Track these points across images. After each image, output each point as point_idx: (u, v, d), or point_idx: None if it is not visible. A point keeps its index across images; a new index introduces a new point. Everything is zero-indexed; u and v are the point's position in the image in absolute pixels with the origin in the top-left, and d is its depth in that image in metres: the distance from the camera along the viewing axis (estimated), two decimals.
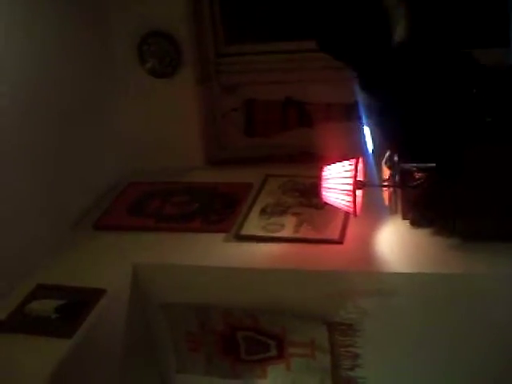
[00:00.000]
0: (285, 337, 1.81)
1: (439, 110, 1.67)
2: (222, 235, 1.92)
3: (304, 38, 2.24)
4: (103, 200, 2.22)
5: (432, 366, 1.75)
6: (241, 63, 2.39)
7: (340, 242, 1.80)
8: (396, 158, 1.75)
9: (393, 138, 1.78)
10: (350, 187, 1.71)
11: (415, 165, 1.73)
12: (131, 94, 2.31)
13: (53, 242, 1.93)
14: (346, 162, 1.76)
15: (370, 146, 1.90)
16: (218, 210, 2.07)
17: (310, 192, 2.04)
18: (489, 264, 1.62)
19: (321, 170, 1.79)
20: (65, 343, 1.53)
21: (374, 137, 1.89)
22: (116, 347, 1.76)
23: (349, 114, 2.25)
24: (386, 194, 1.85)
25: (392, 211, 1.85)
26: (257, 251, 1.82)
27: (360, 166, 1.76)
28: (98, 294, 1.70)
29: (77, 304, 1.67)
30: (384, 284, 1.67)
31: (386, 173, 1.81)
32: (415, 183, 1.73)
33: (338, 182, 1.75)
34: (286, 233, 1.87)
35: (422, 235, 1.78)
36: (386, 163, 1.81)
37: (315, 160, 1.96)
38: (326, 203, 1.84)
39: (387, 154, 1.81)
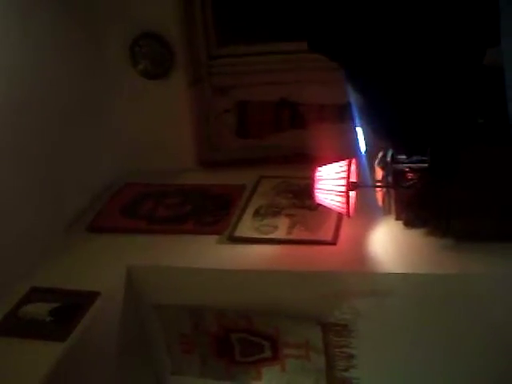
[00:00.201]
0: (279, 338, 1.82)
1: (433, 108, 1.67)
2: (215, 237, 1.92)
3: (296, 39, 2.23)
4: (98, 201, 2.22)
5: (427, 366, 1.76)
6: (233, 65, 2.38)
7: (333, 243, 1.80)
8: (389, 159, 1.75)
9: (385, 134, 1.79)
10: (343, 188, 1.72)
11: (408, 165, 1.73)
12: (125, 95, 2.31)
13: (47, 244, 1.93)
14: (339, 163, 1.76)
15: (362, 147, 1.91)
16: (212, 212, 2.06)
17: (304, 193, 2.04)
18: (483, 264, 1.63)
19: (314, 171, 1.80)
20: (59, 346, 1.53)
21: (366, 138, 1.90)
22: (110, 349, 1.76)
23: (342, 115, 2.25)
24: (379, 194, 1.85)
25: (385, 212, 1.85)
26: (250, 253, 1.82)
27: (353, 166, 1.77)
28: (92, 296, 1.70)
29: (71, 307, 1.66)
30: (378, 285, 1.68)
31: (379, 173, 1.82)
32: (408, 183, 1.74)
33: (331, 183, 1.75)
34: (280, 234, 1.88)
35: (416, 235, 1.78)
36: (378, 164, 1.82)
37: (308, 161, 1.95)
38: (319, 204, 1.84)
39: (380, 154, 1.81)
